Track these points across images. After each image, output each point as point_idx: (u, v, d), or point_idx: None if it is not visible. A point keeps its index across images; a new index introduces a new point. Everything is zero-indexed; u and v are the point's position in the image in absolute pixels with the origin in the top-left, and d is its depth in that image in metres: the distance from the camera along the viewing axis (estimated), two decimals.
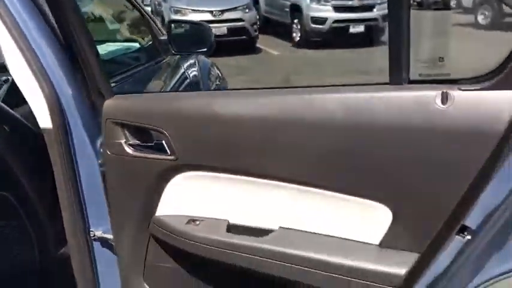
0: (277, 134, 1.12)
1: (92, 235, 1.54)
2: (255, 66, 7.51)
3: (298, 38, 10.22)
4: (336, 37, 9.43)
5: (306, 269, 1.12)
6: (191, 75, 2.57)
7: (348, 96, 1.04)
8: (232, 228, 1.26)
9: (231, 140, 1.17)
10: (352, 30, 9.62)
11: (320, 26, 9.82)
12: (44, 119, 1.39)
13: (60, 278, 1.78)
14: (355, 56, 7.93)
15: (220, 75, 3.18)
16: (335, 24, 9.75)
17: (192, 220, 1.30)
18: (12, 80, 1.55)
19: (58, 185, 1.46)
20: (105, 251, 1.58)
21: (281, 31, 10.74)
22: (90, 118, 1.44)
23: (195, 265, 1.34)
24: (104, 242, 1.57)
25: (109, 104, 1.32)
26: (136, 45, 2.52)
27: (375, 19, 9.30)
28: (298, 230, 1.18)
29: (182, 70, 2.46)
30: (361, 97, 1.03)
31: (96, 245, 1.58)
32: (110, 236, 1.51)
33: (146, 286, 1.46)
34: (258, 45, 10.18)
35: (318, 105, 1.07)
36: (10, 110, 1.56)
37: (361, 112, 1.02)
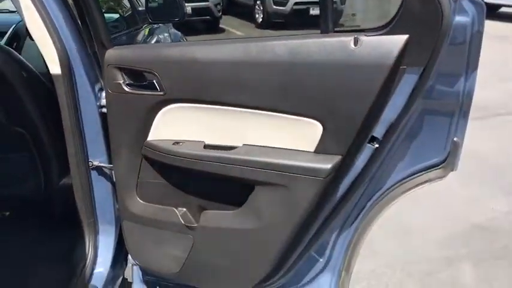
0: (241, 72, 1.52)
1: (90, 165, 1.92)
2: None
3: (260, 20, 10.56)
4: (297, 18, 9.84)
5: (260, 169, 1.54)
6: (164, 42, 2.93)
7: (291, 42, 1.46)
8: (208, 146, 1.67)
9: (207, 78, 1.57)
10: (312, 12, 10.07)
11: (282, 8, 10.20)
12: (54, 68, 1.76)
13: (61, 203, 2.14)
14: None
15: None
16: (296, 7, 10.16)
17: (176, 142, 1.70)
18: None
19: (64, 123, 1.82)
20: (101, 178, 1.97)
21: (244, 12, 11.04)
22: (90, 68, 1.81)
23: (179, 177, 1.75)
24: (100, 170, 1.95)
25: (110, 52, 1.69)
26: (117, 16, 2.85)
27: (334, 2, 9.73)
28: (256, 146, 1.61)
29: (156, 37, 2.82)
30: (300, 42, 1.45)
31: (94, 173, 1.96)
32: (105, 165, 1.90)
33: (138, 198, 1.86)
34: (221, 25, 10.46)
35: (270, 49, 1.48)
36: (25, 61, 1.91)
37: (300, 53, 1.44)
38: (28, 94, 1.84)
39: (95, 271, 2.02)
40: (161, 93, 1.64)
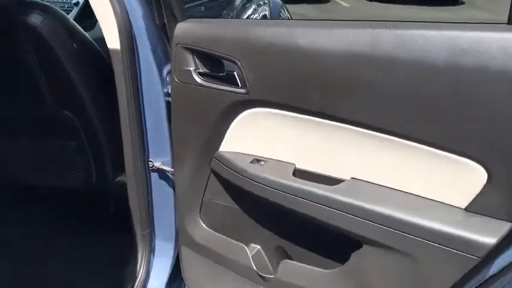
0: (363, 72, 0.99)
1: (150, 165, 1.51)
2: (323, 17, 7.23)
3: None
4: None
5: (375, 224, 1.02)
6: (261, 14, 2.45)
7: (454, 35, 0.90)
8: (299, 173, 1.17)
9: (310, 76, 1.06)
10: None
11: None
12: (113, 40, 1.33)
13: (115, 204, 1.77)
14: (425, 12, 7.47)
15: (289, 17, 3.03)
16: None
17: (256, 160, 1.22)
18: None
19: (121, 109, 1.41)
20: (162, 184, 1.55)
21: None
22: (159, 44, 1.37)
23: (255, 207, 1.27)
24: (162, 173, 1.53)
25: (181, 27, 1.23)
26: None
27: None
28: (372, 183, 1.08)
29: (253, 7, 2.34)
30: (470, 37, 0.88)
31: (154, 176, 1.55)
32: (168, 168, 1.47)
33: (201, 222, 1.42)
34: None
35: (415, 42, 0.93)
36: (81, 30, 1.50)
37: (469, 54, 0.87)
38: (78, 72, 1.46)
39: None
40: (243, 91, 1.15)
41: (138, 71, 1.38)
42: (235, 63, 1.14)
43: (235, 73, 1.15)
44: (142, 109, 1.43)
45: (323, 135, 1.10)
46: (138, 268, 1.65)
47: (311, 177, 1.15)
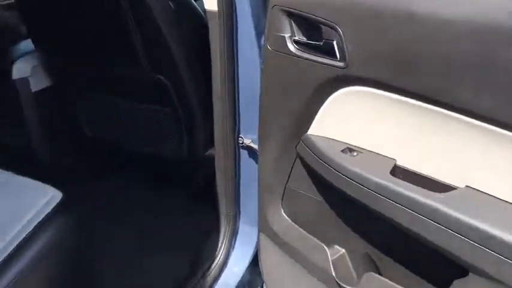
0: (500, 52, 0.75)
1: (240, 142, 1.38)
2: None
3: None
4: None
5: (495, 254, 0.77)
6: None
7: None
8: (399, 172, 0.95)
9: (426, 52, 0.83)
10: None
11: None
12: (211, 1, 1.21)
13: (203, 178, 1.68)
14: None
15: None
16: None
17: (349, 149, 1.02)
18: None
19: (213, 77, 1.30)
20: (251, 162, 1.42)
21: None
22: (261, 10, 1.22)
23: (343, 204, 1.08)
24: (252, 152, 1.40)
25: None
26: None
27: None
28: (495, 198, 0.83)
29: None
30: None
31: (243, 154, 1.42)
32: (257, 147, 1.33)
33: (282, 211, 1.26)
34: None
35: None
36: None
37: None
38: (174, 33, 1.36)
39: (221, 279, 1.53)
40: (341, 64, 0.96)
41: (234, 36, 1.25)
42: (336, 30, 0.95)
43: (334, 42, 0.96)
44: (236, 79, 1.31)
45: (434, 128, 0.87)
46: (217, 250, 1.55)
47: (414, 179, 0.92)
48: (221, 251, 1.55)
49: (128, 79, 1.51)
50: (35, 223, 1.10)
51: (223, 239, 1.56)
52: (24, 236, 1.07)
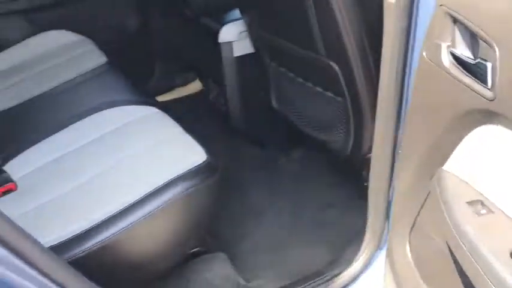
0: None
1: (400, 151, 1.22)
2: None
3: None
4: None
5: None
6: None
7: None
8: None
9: None
10: None
11: None
12: None
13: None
14: None
15: None
16: None
17: (481, 202, 0.79)
18: None
19: (382, 71, 1.15)
20: None
21: None
22: None
23: (459, 265, 0.86)
24: None
25: None
26: None
27: None
28: None
29: None
30: None
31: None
32: None
33: (407, 249, 1.08)
34: None
35: None
36: None
37: None
38: (346, 15, 1.22)
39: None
40: (490, 94, 0.73)
41: (412, 34, 1.08)
42: (493, 49, 0.72)
43: (488, 65, 0.74)
44: (406, 83, 1.14)
45: None
46: (357, 256, 1.44)
47: None
48: (359, 260, 1.43)
49: (308, 61, 1.47)
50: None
51: (369, 249, 1.43)
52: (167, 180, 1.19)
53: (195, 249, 1.53)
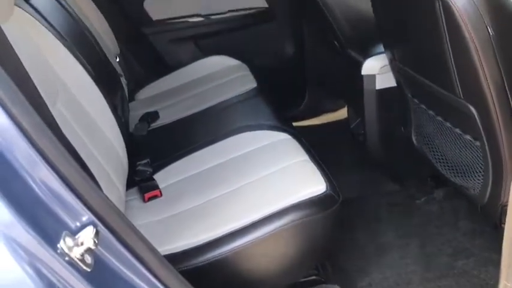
0: None
1: None
2: None
3: None
4: None
5: None
6: None
7: None
8: None
9: None
10: None
11: None
12: None
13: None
14: None
15: None
16: None
17: None
18: None
19: None
20: None
21: None
22: None
23: None
24: None
25: None
26: None
27: None
28: None
29: None
30: None
31: None
32: None
33: None
34: None
35: None
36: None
37: None
38: (487, 63, 1.12)
39: None
40: None
41: None
42: None
43: None
44: None
45: None
46: None
47: None
48: None
49: (446, 101, 1.40)
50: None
51: None
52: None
53: (312, 277, 1.56)
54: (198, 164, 1.61)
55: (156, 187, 1.53)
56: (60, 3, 1.78)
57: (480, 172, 1.40)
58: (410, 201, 2.00)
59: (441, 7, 1.16)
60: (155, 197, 1.50)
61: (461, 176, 1.51)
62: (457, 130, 1.44)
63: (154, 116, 2.04)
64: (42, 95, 1.09)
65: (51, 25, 1.52)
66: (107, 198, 0.86)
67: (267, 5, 2.61)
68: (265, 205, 1.29)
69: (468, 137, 1.40)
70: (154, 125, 2.00)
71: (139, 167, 1.64)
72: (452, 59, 1.24)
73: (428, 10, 1.20)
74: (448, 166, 1.57)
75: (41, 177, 0.73)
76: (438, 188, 1.98)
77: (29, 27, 1.35)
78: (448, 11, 1.15)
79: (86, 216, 0.74)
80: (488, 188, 1.40)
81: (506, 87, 1.19)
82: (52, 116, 1.06)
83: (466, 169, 1.47)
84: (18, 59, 0.99)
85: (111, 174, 1.38)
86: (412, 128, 1.76)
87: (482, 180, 1.42)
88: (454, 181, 1.56)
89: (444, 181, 1.84)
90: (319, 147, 1.62)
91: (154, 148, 1.80)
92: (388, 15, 1.59)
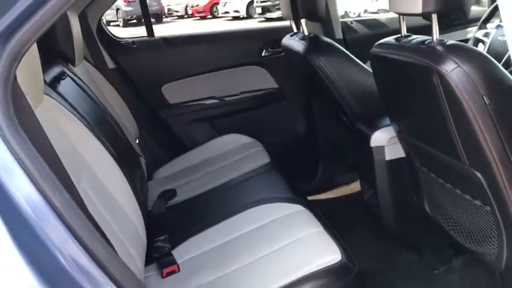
0: None
1: None
2: None
3: None
4: None
5: None
6: None
7: None
8: None
9: None
10: None
11: None
12: None
13: None
14: None
15: None
16: None
17: None
18: None
19: None
20: None
21: None
22: None
23: None
24: None
25: None
26: None
27: None
28: None
29: None
30: None
31: None
32: None
33: None
34: None
35: None
36: (507, 77, 1.23)
37: None
38: (487, 130, 1.18)
39: None
40: None
41: None
42: None
43: None
44: None
45: None
46: None
47: None
48: None
49: (453, 168, 1.45)
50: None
51: None
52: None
53: None
54: (216, 238, 1.65)
55: (174, 262, 1.56)
56: (85, 91, 1.92)
57: (494, 237, 1.42)
58: (429, 272, 1.98)
59: (438, 80, 1.24)
60: (173, 272, 1.53)
61: (476, 242, 1.52)
62: (467, 196, 1.47)
63: (172, 193, 2.11)
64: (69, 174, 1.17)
65: (76, 111, 1.63)
66: (134, 274, 0.90)
67: (277, 86, 2.76)
68: (282, 276, 1.31)
69: (478, 202, 1.43)
70: (172, 202, 2.06)
71: (158, 243, 1.67)
72: (454, 128, 1.30)
73: (427, 83, 1.29)
74: (463, 233, 1.59)
75: (70, 253, 0.78)
76: (457, 256, 1.96)
77: (56, 112, 1.46)
78: (445, 83, 1.22)
79: None
80: (504, 253, 1.40)
81: (509, 153, 1.24)
82: (78, 193, 1.12)
83: (479, 235, 1.48)
84: (49, 140, 1.08)
85: (130, 250, 1.42)
86: (424, 197, 1.79)
87: (497, 245, 1.42)
88: (470, 247, 1.56)
89: (462, 248, 1.84)
90: (334, 219, 1.65)
91: (172, 224, 1.85)
92: (390, 90, 1.69)
